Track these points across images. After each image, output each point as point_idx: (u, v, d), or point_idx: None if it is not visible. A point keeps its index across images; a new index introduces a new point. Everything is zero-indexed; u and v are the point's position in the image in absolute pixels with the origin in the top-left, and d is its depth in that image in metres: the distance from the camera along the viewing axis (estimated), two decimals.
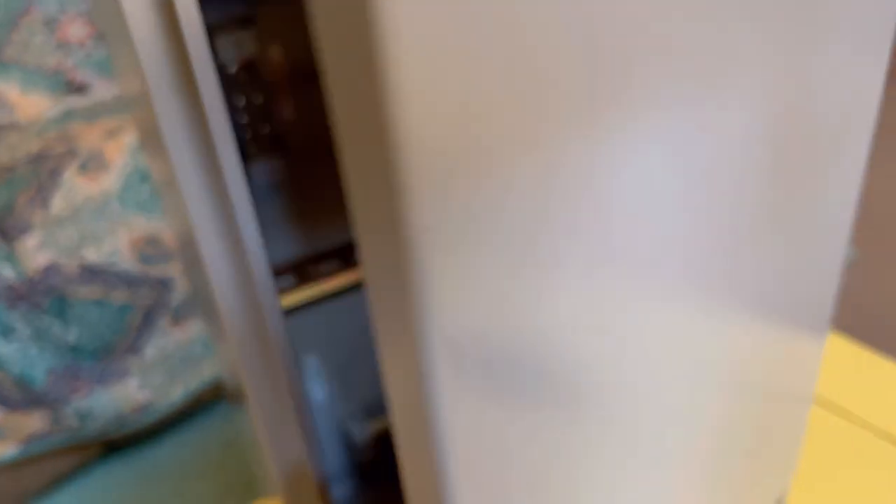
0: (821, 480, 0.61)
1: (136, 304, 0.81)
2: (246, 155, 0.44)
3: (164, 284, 0.82)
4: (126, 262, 0.78)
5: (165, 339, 0.84)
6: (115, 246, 0.78)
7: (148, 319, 0.82)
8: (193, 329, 0.85)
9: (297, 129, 0.47)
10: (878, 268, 1.57)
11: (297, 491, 0.49)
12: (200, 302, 0.54)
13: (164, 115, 0.33)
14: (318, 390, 0.58)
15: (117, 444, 0.89)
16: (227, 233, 0.35)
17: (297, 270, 0.52)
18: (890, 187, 1.85)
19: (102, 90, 0.81)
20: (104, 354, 0.81)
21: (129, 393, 0.83)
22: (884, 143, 2.01)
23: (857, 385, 0.71)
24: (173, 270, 0.81)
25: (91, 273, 0.78)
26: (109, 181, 0.77)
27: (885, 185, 1.85)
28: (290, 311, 0.53)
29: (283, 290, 0.52)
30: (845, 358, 0.74)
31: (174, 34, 0.30)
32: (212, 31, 0.40)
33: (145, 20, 0.30)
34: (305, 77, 0.46)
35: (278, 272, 0.51)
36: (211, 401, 0.94)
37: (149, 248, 0.80)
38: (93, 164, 0.77)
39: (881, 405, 0.69)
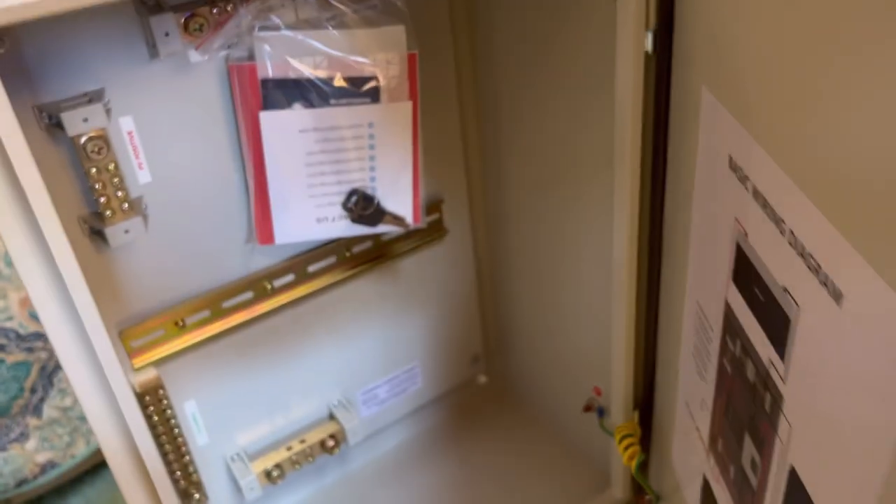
0: None
1: (31, 363, 0.81)
2: (103, 218, 0.47)
3: None
4: (18, 320, 0.78)
5: (64, 396, 0.84)
6: (6, 305, 0.78)
7: (45, 377, 0.82)
8: None
9: (154, 190, 0.50)
10: None
11: None
12: None
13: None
14: (199, 435, 0.60)
15: None
16: (65, 306, 0.37)
17: (169, 321, 0.54)
18: None
19: None
20: (0, 417, 0.81)
21: (28, 454, 0.83)
22: None
23: None
24: None
25: None
26: None
27: None
28: (167, 360, 0.55)
29: (156, 341, 0.54)
30: None
31: None
32: (60, 106, 0.43)
33: None
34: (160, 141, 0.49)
35: (149, 326, 0.53)
36: None
37: None
38: None
39: None
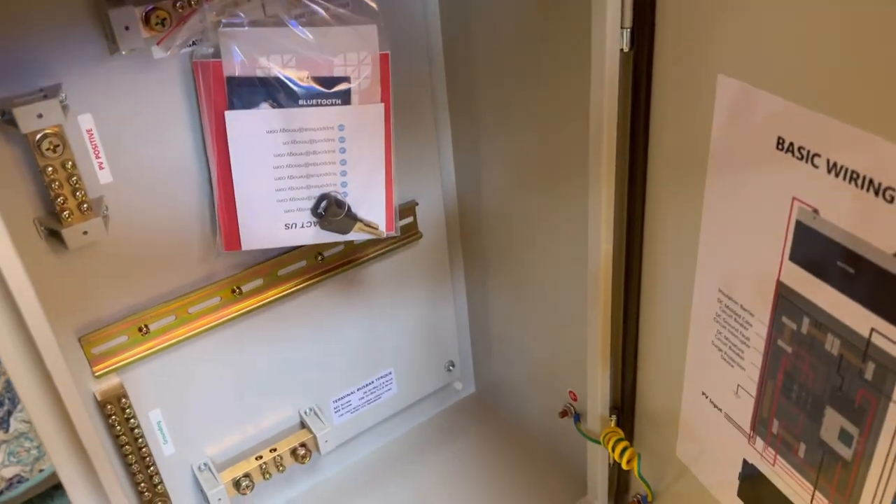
0: None
1: None
2: (60, 219, 0.45)
3: None
4: None
5: None
6: None
7: (11, 389, 0.80)
8: None
9: (115, 190, 0.48)
10: None
11: None
12: None
13: None
14: (165, 445, 0.58)
15: None
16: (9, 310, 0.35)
17: (133, 326, 0.52)
18: None
19: None
20: None
21: None
22: None
23: None
24: None
25: None
26: None
27: None
28: (130, 367, 0.53)
29: (119, 348, 0.52)
30: None
31: None
32: (13, 102, 0.42)
33: None
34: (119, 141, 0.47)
35: (111, 332, 0.52)
36: None
37: None
38: None
39: None
